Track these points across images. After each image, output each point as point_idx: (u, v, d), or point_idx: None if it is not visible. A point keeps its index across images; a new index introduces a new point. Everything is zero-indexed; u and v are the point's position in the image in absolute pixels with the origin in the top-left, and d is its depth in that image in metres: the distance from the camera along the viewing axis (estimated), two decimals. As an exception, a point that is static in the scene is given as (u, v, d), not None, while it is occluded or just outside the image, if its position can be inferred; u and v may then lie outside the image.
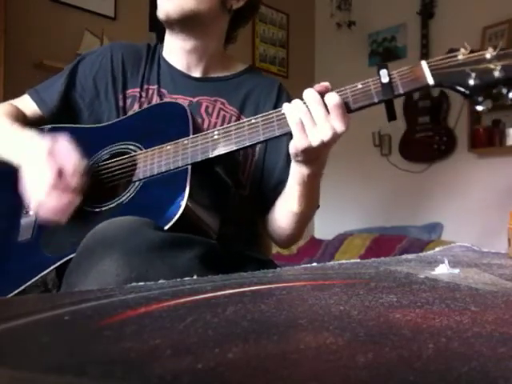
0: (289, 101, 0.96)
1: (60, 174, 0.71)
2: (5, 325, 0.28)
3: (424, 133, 3.06)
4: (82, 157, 0.75)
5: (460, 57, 0.67)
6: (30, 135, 0.81)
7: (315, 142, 0.68)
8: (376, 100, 0.69)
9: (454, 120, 2.97)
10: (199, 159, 0.73)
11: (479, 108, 0.67)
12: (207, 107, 0.91)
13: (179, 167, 0.74)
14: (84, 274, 0.57)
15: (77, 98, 0.93)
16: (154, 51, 0.97)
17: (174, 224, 0.67)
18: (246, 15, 0.97)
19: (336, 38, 3.63)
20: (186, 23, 0.87)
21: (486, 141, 2.81)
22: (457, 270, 0.50)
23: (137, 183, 0.76)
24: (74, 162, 0.73)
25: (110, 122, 0.89)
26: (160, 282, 0.43)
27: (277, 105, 0.94)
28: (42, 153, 0.73)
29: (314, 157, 0.73)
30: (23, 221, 0.82)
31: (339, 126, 0.68)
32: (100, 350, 0.24)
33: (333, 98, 0.68)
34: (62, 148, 0.74)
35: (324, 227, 3.22)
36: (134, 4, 2.63)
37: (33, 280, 0.73)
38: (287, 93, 0.98)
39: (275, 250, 2.77)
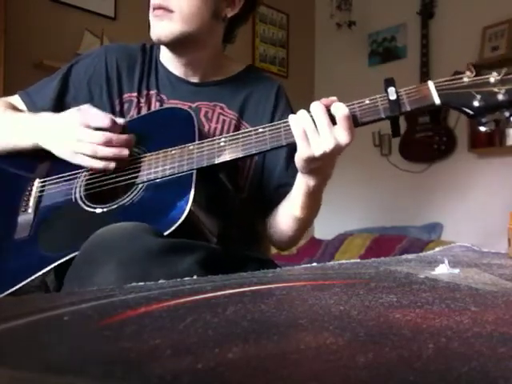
0: (287, 104, 0.96)
1: (104, 129, 0.76)
2: (5, 325, 0.28)
3: (424, 133, 3.05)
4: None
5: (465, 79, 0.69)
6: (42, 115, 0.84)
7: (318, 152, 0.69)
8: (383, 116, 0.71)
9: (454, 120, 2.96)
10: (205, 165, 0.74)
11: (482, 129, 0.70)
12: (206, 112, 0.91)
13: (184, 172, 0.74)
14: (83, 282, 0.57)
15: (70, 103, 0.92)
16: (150, 54, 0.96)
17: (176, 228, 0.67)
18: (243, 18, 0.95)
19: (336, 38, 3.63)
20: (178, 44, 0.87)
21: (486, 141, 2.81)
22: (457, 270, 0.50)
23: (140, 185, 0.76)
24: (107, 117, 0.77)
25: None
26: (160, 282, 0.43)
27: (275, 108, 0.94)
28: (75, 118, 0.78)
29: (319, 167, 0.73)
30: (20, 218, 0.82)
31: (344, 138, 0.69)
32: (100, 350, 0.24)
33: (341, 109, 0.69)
34: (89, 109, 0.79)
35: (324, 227, 3.22)
36: (133, 4, 2.63)
37: (30, 279, 0.73)
38: (286, 96, 0.98)
39: (275, 249, 2.77)
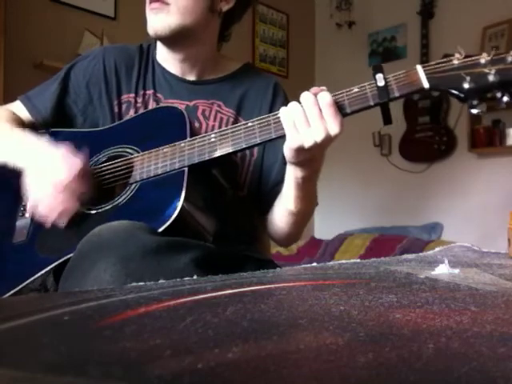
0: (285, 99, 0.96)
1: (64, 177, 0.73)
2: (5, 325, 0.28)
3: (424, 133, 3.06)
4: (86, 162, 0.76)
5: (455, 61, 0.68)
6: (32, 139, 0.82)
7: (308, 143, 0.68)
8: (372, 103, 0.70)
9: (454, 120, 2.97)
10: (196, 161, 0.74)
11: (474, 111, 0.69)
12: (204, 111, 0.91)
13: (176, 169, 0.74)
14: (80, 279, 0.57)
15: (70, 104, 0.92)
16: (147, 54, 0.96)
17: (169, 226, 0.67)
18: (238, 13, 0.95)
19: (336, 38, 3.63)
20: (175, 38, 0.87)
21: (485, 141, 2.81)
22: (457, 270, 0.50)
23: (133, 185, 0.76)
24: (79, 168, 0.74)
25: (107, 126, 0.89)
26: (160, 281, 0.43)
27: (273, 104, 0.94)
28: (46, 156, 0.74)
29: (308, 158, 0.73)
30: (18, 222, 0.82)
31: (332, 128, 0.68)
32: (100, 349, 0.24)
33: (325, 98, 0.68)
34: (67, 153, 0.75)
35: (324, 227, 3.22)
36: (133, 4, 2.62)
37: (27, 282, 0.73)
38: (283, 91, 0.98)
39: (275, 249, 2.77)
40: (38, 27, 2.31)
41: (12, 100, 0.97)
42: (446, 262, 0.51)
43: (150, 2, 0.84)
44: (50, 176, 0.73)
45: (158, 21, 0.84)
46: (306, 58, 3.78)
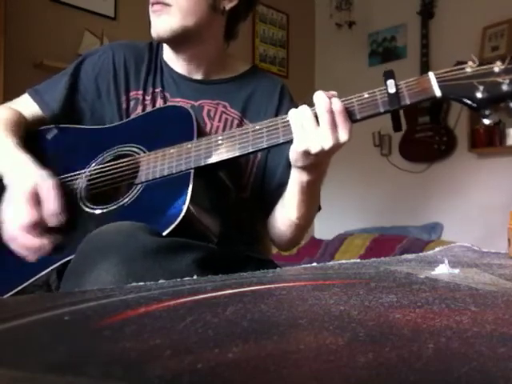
0: (291, 102, 0.96)
1: (37, 217, 0.71)
2: (5, 325, 0.28)
3: (424, 133, 3.05)
4: (63, 206, 0.73)
5: (468, 69, 0.66)
6: (20, 159, 0.79)
7: (315, 148, 0.68)
8: (382, 110, 0.68)
9: (454, 120, 2.96)
10: (202, 164, 0.74)
11: (486, 121, 0.67)
12: (209, 111, 0.91)
13: (182, 171, 0.74)
14: (80, 280, 0.57)
15: (79, 99, 0.92)
16: (156, 53, 0.96)
17: (175, 227, 0.67)
18: (244, 11, 0.95)
19: (336, 38, 3.63)
20: (178, 40, 0.87)
21: (486, 141, 2.80)
22: (457, 270, 0.50)
23: (139, 186, 0.76)
24: (54, 211, 0.72)
25: (114, 124, 0.89)
26: (160, 282, 0.43)
27: (279, 107, 0.94)
28: (26, 188, 0.72)
29: (314, 164, 0.73)
30: None
31: (342, 135, 0.68)
32: (100, 349, 0.24)
33: (334, 104, 0.68)
34: (47, 190, 0.73)
35: (324, 227, 3.22)
36: (133, 4, 2.63)
37: (30, 281, 0.73)
38: (290, 94, 0.98)
39: (275, 249, 2.77)
40: (38, 27, 2.31)
41: (12, 100, 0.97)
42: (446, 262, 0.51)
43: (152, 5, 0.85)
44: (17, 210, 0.71)
45: (161, 23, 0.84)
46: (306, 58, 3.78)
